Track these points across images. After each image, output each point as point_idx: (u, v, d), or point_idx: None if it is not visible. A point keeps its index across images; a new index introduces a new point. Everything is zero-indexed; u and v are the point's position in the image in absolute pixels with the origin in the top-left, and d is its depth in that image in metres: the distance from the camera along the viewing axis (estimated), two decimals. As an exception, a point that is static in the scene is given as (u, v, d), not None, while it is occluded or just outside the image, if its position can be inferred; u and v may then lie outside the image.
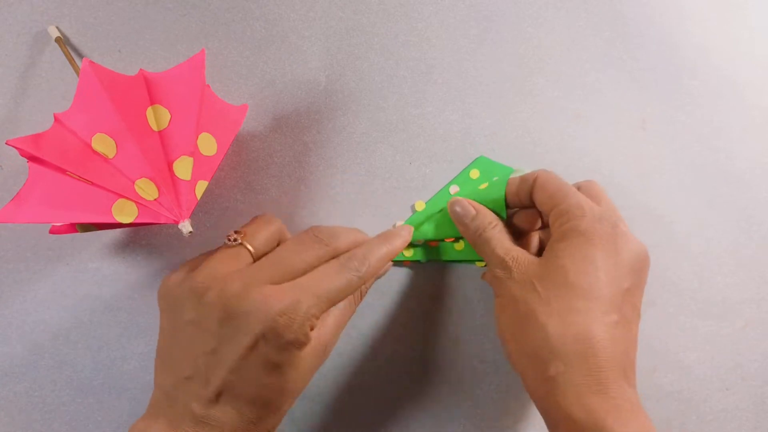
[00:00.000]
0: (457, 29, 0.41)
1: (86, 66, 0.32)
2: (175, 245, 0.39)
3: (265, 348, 0.30)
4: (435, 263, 0.40)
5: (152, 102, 0.33)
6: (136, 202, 0.32)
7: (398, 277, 0.40)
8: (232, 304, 0.30)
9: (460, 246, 0.39)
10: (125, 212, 0.32)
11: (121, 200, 0.32)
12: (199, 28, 0.40)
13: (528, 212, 0.38)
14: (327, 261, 0.33)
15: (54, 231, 0.35)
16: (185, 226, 0.32)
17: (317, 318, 0.31)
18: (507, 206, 0.37)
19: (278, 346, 0.30)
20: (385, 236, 0.35)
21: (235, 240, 0.33)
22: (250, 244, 0.33)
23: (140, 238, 0.39)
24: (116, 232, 0.39)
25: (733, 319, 0.41)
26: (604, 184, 0.41)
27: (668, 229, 0.41)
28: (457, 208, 0.37)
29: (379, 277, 0.38)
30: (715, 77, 0.42)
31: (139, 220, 0.32)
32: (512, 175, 0.39)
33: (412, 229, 0.38)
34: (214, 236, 0.39)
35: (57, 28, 0.39)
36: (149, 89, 0.33)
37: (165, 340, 0.33)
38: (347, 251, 0.34)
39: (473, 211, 0.37)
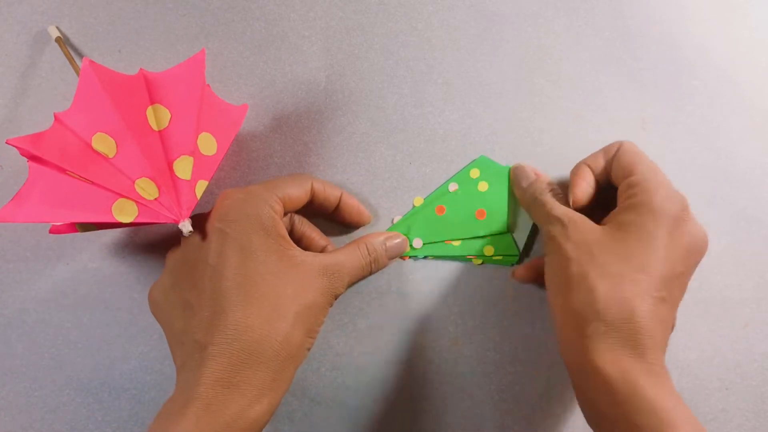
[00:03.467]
0: (457, 29, 0.41)
1: (86, 66, 0.32)
2: (175, 245, 0.39)
3: (231, 236, 0.32)
4: (434, 260, 0.40)
5: (152, 101, 0.33)
6: (136, 202, 0.32)
7: (398, 277, 0.40)
8: (198, 223, 0.33)
9: (457, 242, 0.39)
10: (125, 212, 0.32)
11: (121, 200, 0.32)
12: (199, 28, 0.40)
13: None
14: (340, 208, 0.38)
15: (54, 231, 0.35)
16: (185, 226, 0.32)
17: (276, 203, 0.33)
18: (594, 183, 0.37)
19: (240, 228, 0.32)
20: (393, 234, 0.38)
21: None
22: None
23: (140, 238, 0.39)
24: (116, 232, 0.39)
25: (733, 319, 0.41)
26: (604, 184, 0.41)
27: (668, 229, 0.41)
28: (517, 171, 0.39)
29: (393, 257, 0.38)
30: (715, 77, 0.42)
31: (139, 220, 0.32)
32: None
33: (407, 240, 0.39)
34: (214, 236, 0.39)
35: (57, 28, 0.39)
36: (149, 89, 0.33)
37: (166, 333, 0.34)
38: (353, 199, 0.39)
39: (533, 176, 0.38)
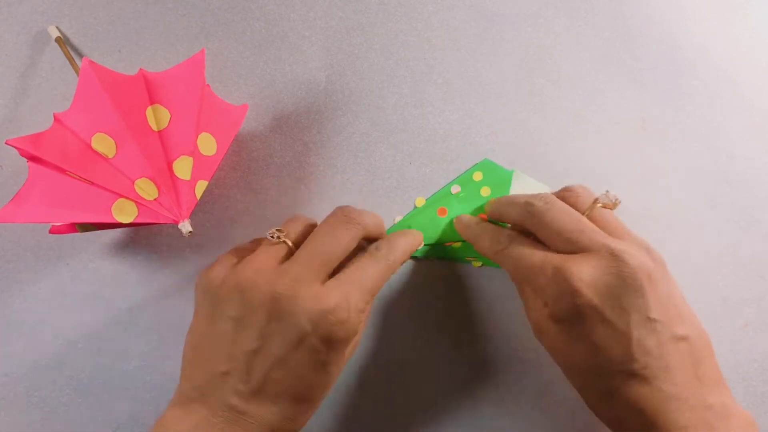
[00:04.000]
0: (457, 29, 0.41)
1: (86, 66, 0.32)
2: (175, 245, 0.39)
3: (313, 346, 0.30)
4: (433, 261, 0.40)
5: (152, 102, 0.33)
6: (135, 202, 0.32)
7: (398, 278, 0.40)
8: (282, 304, 0.30)
9: (457, 245, 0.39)
10: (125, 212, 0.32)
11: (120, 200, 0.32)
12: (199, 28, 0.40)
13: None
14: (357, 239, 0.33)
15: (54, 231, 0.35)
16: (185, 226, 0.32)
17: (363, 312, 0.31)
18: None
19: (329, 344, 0.30)
20: (403, 231, 0.37)
21: (277, 237, 0.33)
22: (290, 240, 0.33)
23: (140, 238, 0.39)
24: (116, 232, 0.39)
25: (733, 319, 0.41)
26: (605, 184, 0.41)
27: (668, 229, 0.41)
28: (472, 227, 0.38)
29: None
30: (715, 77, 0.42)
31: (138, 220, 0.32)
32: (513, 179, 0.39)
33: (422, 234, 0.38)
34: (214, 236, 0.39)
35: (57, 28, 0.39)
36: (149, 89, 0.33)
37: (199, 333, 0.32)
38: (374, 232, 0.35)
39: (487, 234, 0.37)
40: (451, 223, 0.39)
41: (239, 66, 0.40)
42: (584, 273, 0.30)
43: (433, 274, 0.40)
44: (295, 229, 0.34)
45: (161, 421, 0.31)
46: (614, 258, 0.30)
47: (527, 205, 0.34)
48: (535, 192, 0.38)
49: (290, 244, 0.33)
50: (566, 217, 0.33)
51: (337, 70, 0.41)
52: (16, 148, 0.31)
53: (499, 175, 0.40)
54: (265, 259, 0.32)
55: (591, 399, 0.32)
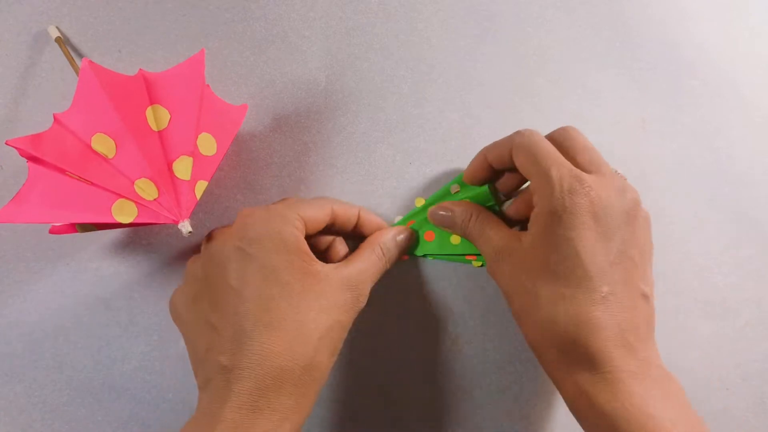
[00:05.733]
0: (457, 29, 0.41)
1: (86, 66, 0.32)
2: (175, 245, 0.39)
3: (253, 257, 0.31)
4: (433, 261, 0.40)
5: (152, 102, 0.33)
6: (135, 202, 0.32)
7: (398, 277, 0.40)
8: (212, 246, 0.33)
9: (456, 240, 0.39)
10: (125, 212, 0.32)
11: (120, 200, 0.32)
12: (199, 28, 0.40)
13: (511, 175, 0.37)
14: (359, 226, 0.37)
15: (54, 231, 0.35)
16: (185, 226, 0.32)
17: (299, 222, 0.33)
18: (495, 187, 0.38)
19: (265, 249, 0.31)
20: (397, 228, 0.39)
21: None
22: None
23: (140, 238, 0.39)
24: (116, 232, 0.39)
25: (733, 319, 0.41)
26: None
27: (668, 229, 0.41)
28: (437, 215, 0.38)
29: (403, 251, 0.38)
30: (715, 77, 0.42)
31: (138, 220, 0.32)
32: None
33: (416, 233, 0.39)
34: (214, 236, 0.39)
35: (57, 28, 0.39)
36: (149, 89, 0.33)
37: (187, 345, 0.34)
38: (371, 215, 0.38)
39: (449, 213, 0.37)
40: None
41: (239, 66, 0.40)
42: (599, 186, 0.31)
43: (433, 274, 0.40)
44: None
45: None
46: (625, 188, 0.32)
47: (562, 130, 0.34)
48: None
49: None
50: (589, 143, 0.34)
51: (337, 70, 0.41)
52: (15, 148, 0.31)
53: None
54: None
55: (535, 307, 0.31)
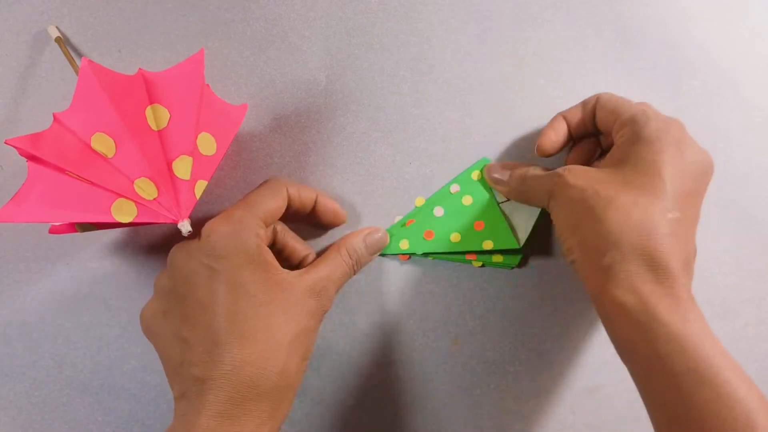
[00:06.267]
0: (457, 29, 0.41)
1: (85, 66, 0.32)
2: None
3: (219, 271, 0.31)
4: (433, 261, 0.40)
5: (151, 101, 0.33)
6: (135, 202, 0.32)
7: (398, 277, 0.40)
8: (176, 261, 0.33)
9: (456, 238, 0.39)
10: (124, 212, 0.32)
11: (120, 200, 0.32)
12: (199, 28, 0.40)
13: (584, 147, 0.39)
14: (316, 210, 0.38)
15: (54, 231, 0.35)
16: (184, 226, 0.32)
17: (259, 227, 0.33)
18: (569, 143, 0.39)
19: (230, 263, 0.31)
20: (372, 228, 0.39)
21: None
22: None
23: (140, 238, 0.39)
24: (116, 232, 0.39)
25: (733, 319, 0.41)
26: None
27: (668, 229, 0.41)
28: (492, 170, 0.39)
29: (375, 252, 0.39)
30: (715, 77, 0.42)
31: (138, 220, 0.32)
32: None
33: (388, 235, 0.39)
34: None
35: (57, 28, 0.39)
36: (148, 89, 0.33)
37: (162, 359, 0.34)
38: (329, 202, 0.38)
39: (508, 173, 0.38)
40: (449, 221, 0.39)
41: (239, 66, 0.40)
42: (684, 130, 0.33)
43: (433, 274, 0.40)
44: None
45: None
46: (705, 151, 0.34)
47: (595, 97, 0.38)
48: None
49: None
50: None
51: (337, 70, 0.41)
52: (15, 147, 0.31)
53: None
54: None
55: (619, 211, 0.31)
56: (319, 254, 0.38)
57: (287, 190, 0.36)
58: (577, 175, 0.33)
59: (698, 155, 0.33)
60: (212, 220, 0.33)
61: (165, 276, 0.34)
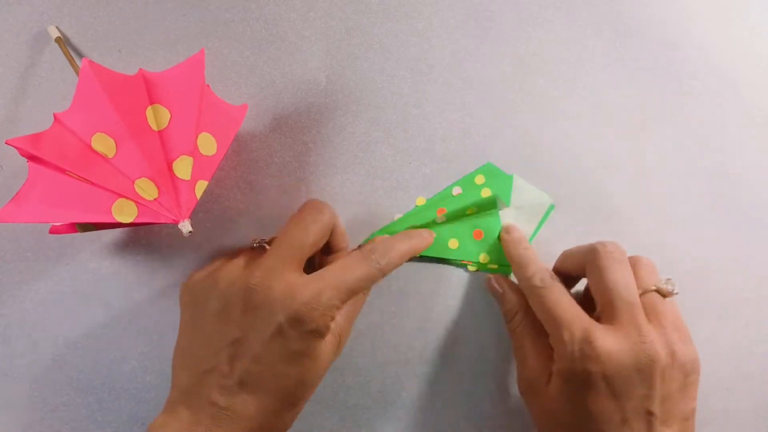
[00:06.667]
0: (457, 29, 0.41)
1: (86, 66, 0.32)
2: (175, 245, 0.39)
3: (287, 336, 0.31)
4: (432, 262, 0.40)
5: (152, 102, 0.33)
6: (135, 202, 0.32)
7: (398, 277, 0.40)
8: (256, 295, 0.31)
9: (454, 244, 0.39)
10: (125, 212, 0.32)
11: (120, 200, 0.32)
12: (199, 28, 0.40)
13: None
14: (327, 228, 0.35)
15: (54, 231, 0.35)
16: (185, 226, 0.32)
17: (338, 309, 0.32)
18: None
19: (300, 335, 0.31)
20: (407, 234, 0.37)
21: (257, 244, 0.35)
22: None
23: (140, 238, 0.39)
24: (116, 232, 0.39)
25: (733, 319, 0.41)
26: (605, 184, 0.41)
27: (668, 230, 0.41)
28: (492, 284, 0.39)
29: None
30: (715, 77, 0.42)
31: (138, 220, 0.32)
32: (513, 185, 0.39)
33: (434, 234, 0.39)
34: (214, 236, 0.39)
35: (57, 28, 0.39)
36: (149, 89, 0.33)
37: (185, 337, 0.34)
38: (339, 225, 0.36)
39: (500, 290, 0.38)
40: (449, 226, 0.39)
41: (239, 66, 0.40)
42: (609, 344, 0.31)
43: (433, 275, 0.40)
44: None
45: (149, 429, 0.31)
46: (639, 342, 0.31)
47: (593, 250, 0.34)
48: (535, 199, 0.40)
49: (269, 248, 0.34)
50: (626, 282, 0.33)
51: (337, 70, 0.41)
52: (15, 147, 0.31)
53: (500, 180, 0.40)
54: (243, 258, 0.34)
55: None
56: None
57: (332, 220, 0.35)
58: (533, 399, 0.35)
59: (629, 366, 0.31)
60: (305, 283, 0.32)
61: (240, 265, 0.33)
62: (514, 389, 0.40)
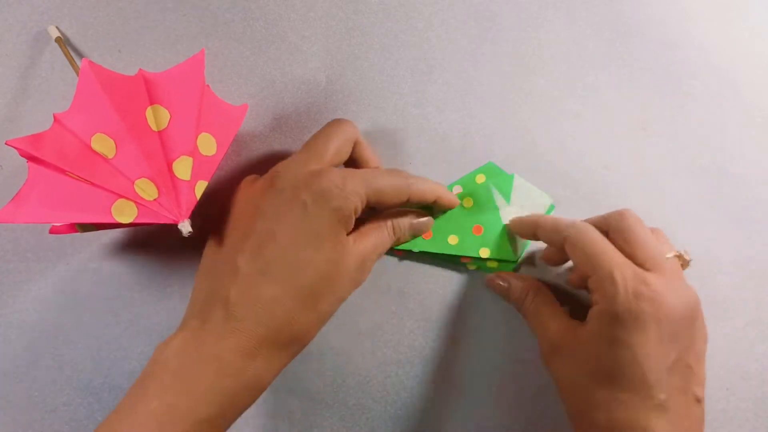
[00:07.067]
0: (457, 29, 0.41)
1: (86, 66, 0.32)
2: (175, 245, 0.39)
3: (310, 215, 0.32)
4: (433, 261, 0.40)
5: (152, 102, 0.33)
6: (135, 202, 0.32)
7: (398, 277, 0.40)
8: (280, 180, 0.33)
9: (454, 240, 0.39)
10: (125, 212, 0.32)
11: (120, 200, 0.32)
12: (199, 28, 0.40)
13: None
14: (350, 139, 0.36)
15: (54, 231, 0.35)
16: (185, 226, 0.32)
17: (361, 201, 0.33)
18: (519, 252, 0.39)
19: (324, 213, 0.32)
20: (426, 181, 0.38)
21: None
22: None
23: (140, 238, 0.39)
24: (116, 232, 0.39)
25: (733, 319, 0.41)
26: (604, 185, 0.41)
27: (668, 230, 0.41)
28: (495, 283, 0.39)
29: (415, 236, 0.39)
30: (715, 77, 0.42)
31: (138, 220, 0.32)
32: (514, 185, 0.39)
33: (457, 201, 0.39)
34: (214, 236, 0.39)
35: (57, 28, 0.39)
36: (149, 89, 0.33)
37: (210, 242, 0.35)
38: (362, 142, 0.37)
39: (506, 284, 0.38)
40: (449, 222, 0.39)
41: (239, 66, 0.40)
42: (663, 287, 0.31)
43: (433, 274, 0.40)
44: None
45: (156, 349, 0.31)
46: (687, 290, 0.32)
47: (618, 214, 0.34)
48: (535, 199, 0.40)
49: None
50: (648, 235, 0.33)
51: (337, 70, 0.41)
52: (15, 148, 0.31)
53: (501, 179, 0.40)
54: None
55: (591, 410, 0.31)
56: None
57: (409, 193, 0.35)
58: (560, 360, 0.33)
59: (677, 308, 0.31)
60: (332, 168, 0.33)
61: (271, 171, 0.35)
62: (515, 389, 0.40)
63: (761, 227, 0.41)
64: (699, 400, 0.32)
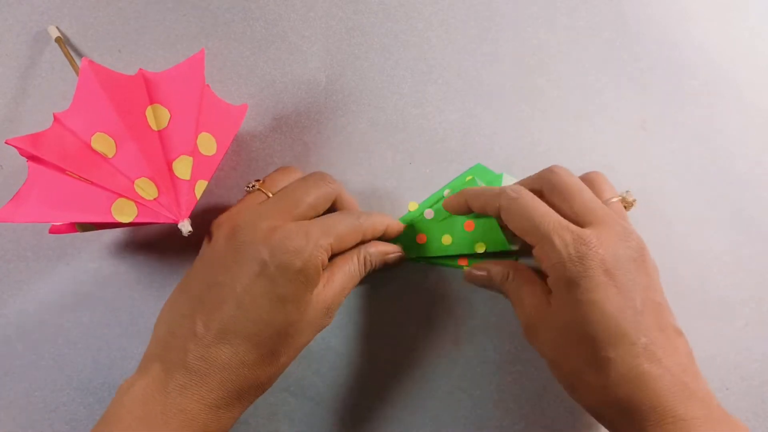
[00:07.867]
0: (457, 29, 0.41)
1: (85, 66, 0.32)
2: (175, 245, 0.39)
3: (271, 278, 0.31)
4: (427, 263, 0.40)
5: (152, 101, 0.33)
6: (135, 202, 0.32)
7: (398, 278, 0.40)
8: (241, 234, 0.32)
9: (447, 240, 0.39)
10: (125, 212, 0.32)
11: (120, 200, 0.32)
12: (199, 28, 0.40)
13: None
14: (329, 198, 0.35)
15: (54, 230, 0.35)
16: (185, 226, 0.32)
17: (326, 252, 0.32)
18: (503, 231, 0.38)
19: (285, 275, 0.31)
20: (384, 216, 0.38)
21: (252, 186, 0.35)
22: (269, 191, 0.35)
23: (140, 238, 0.39)
24: (116, 232, 0.39)
25: (733, 319, 0.41)
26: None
27: (668, 229, 0.41)
28: (474, 274, 0.38)
29: (388, 266, 0.38)
30: (715, 77, 0.42)
31: (138, 220, 0.32)
32: (503, 182, 0.39)
33: (403, 226, 0.39)
34: (214, 236, 0.39)
35: (57, 28, 0.39)
36: (149, 89, 0.33)
37: (174, 292, 0.34)
38: (347, 199, 0.37)
39: (484, 273, 0.37)
40: (441, 224, 0.39)
41: (239, 66, 0.40)
42: (602, 240, 0.31)
43: (433, 274, 0.40)
44: (275, 180, 0.36)
45: (118, 391, 0.31)
46: (628, 234, 0.32)
47: (549, 173, 0.34)
48: None
49: (265, 191, 0.35)
50: (590, 194, 0.34)
51: (337, 70, 0.41)
52: (15, 147, 0.31)
53: (489, 179, 0.40)
54: (240, 204, 0.35)
55: (582, 375, 0.31)
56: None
57: (363, 232, 0.35)
58: (541, 331, 0.33)
59: (624, 256, 0.31)
60: (292, 224, 0.32)
61: (234, 217, 0.33)
62: (514, 389, 0.40)
63: (761, 227, 0.41)
64: (679, 332, 0.31)
